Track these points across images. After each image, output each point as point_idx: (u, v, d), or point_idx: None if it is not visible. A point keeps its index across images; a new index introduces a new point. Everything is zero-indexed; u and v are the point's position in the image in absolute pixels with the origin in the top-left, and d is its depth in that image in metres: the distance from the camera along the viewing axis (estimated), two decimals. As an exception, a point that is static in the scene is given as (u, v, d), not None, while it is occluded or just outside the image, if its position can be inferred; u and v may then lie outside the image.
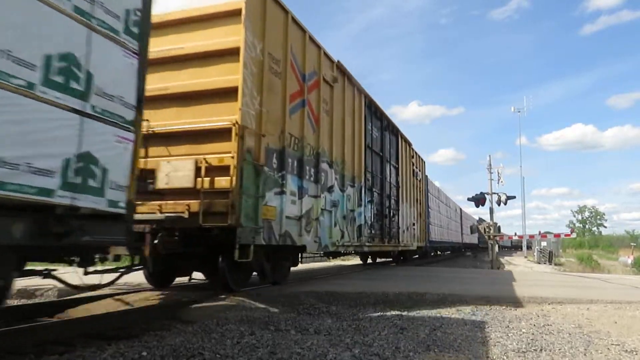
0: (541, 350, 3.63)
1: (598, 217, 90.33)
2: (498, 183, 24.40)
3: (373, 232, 10.42)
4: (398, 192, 13.01)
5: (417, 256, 19.20)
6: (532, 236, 34.19)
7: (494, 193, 23.25)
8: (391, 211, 12.15)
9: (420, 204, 16.62)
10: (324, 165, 7.69)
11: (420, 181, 16.82)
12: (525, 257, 34.82)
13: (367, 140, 10.16)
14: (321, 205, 7.45)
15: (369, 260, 16.22)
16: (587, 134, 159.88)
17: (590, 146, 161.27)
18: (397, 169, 13.03)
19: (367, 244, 9.89)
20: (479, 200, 23.30)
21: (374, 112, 10.94)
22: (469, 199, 23.97)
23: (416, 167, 15.99)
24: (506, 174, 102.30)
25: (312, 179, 7.22)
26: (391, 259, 16.28)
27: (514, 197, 23.71)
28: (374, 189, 10.58)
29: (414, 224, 15.08)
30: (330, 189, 7.91)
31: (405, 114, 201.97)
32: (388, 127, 12.21)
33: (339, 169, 8.40)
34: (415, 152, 15.90)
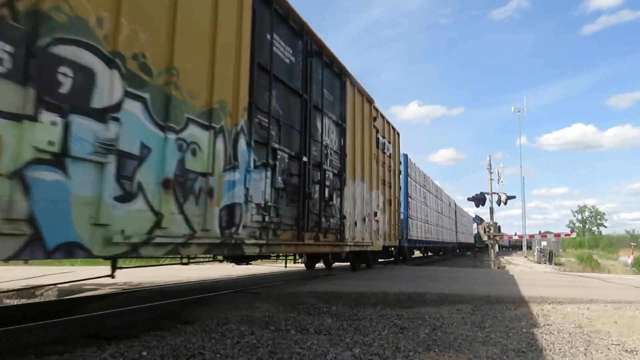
0: (541, 350, 3.63)
1: (598, 216, 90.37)
2: (498, 183, 24.40)
3: (274, 219, 5.92)
4: (344, 163, 8.47)
5: (391, 259, 14.78)
6: (532, 236, 34.21)
7: (494, 193, 23.26)
8: (326, 190, 7.61)
9: (390, 188, 12.19)
10: (79, 53, 3.23)
11: (391, 158, 12.33)
12: (525, 256, 34.80)
13: (262, 57, 5.69)
14: (41, 142, 2.92)
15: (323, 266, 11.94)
16: (587, 134, 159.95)
17: (590, 146, 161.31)
18: (342, 129, 8.50)
19: (251, 241, 5.28)
20: (479, 200, 23.29)
21: (282, 17, 6.40)
22: (469, 199, 23.98)
23: (383, 136, 11.45)
24: (506, 174, 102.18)
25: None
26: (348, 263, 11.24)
27: (514, 197, 23.74)
28: (277, 146, 6.04)
29: (376, 214, 10.67)
30: (103, 115, 3.38)
31: (405, 114, 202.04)
32: (320, 57, 7.66)
33: (153, 81, 3.89)
34: (382, 115, 11.42)
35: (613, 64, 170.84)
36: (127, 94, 3.64)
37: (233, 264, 9.50)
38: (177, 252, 4.23)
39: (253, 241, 5.37)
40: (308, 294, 6.08)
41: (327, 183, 7.73)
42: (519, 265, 23.96)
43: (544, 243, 32.13)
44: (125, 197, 3.57)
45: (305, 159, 6.86)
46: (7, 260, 2.83)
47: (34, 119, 2.91)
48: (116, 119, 3.49)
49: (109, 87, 3.47)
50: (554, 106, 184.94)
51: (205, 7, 4.65)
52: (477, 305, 5.75)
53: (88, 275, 6.53)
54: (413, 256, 20.24)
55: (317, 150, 7.44)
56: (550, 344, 3.80)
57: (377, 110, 10.91)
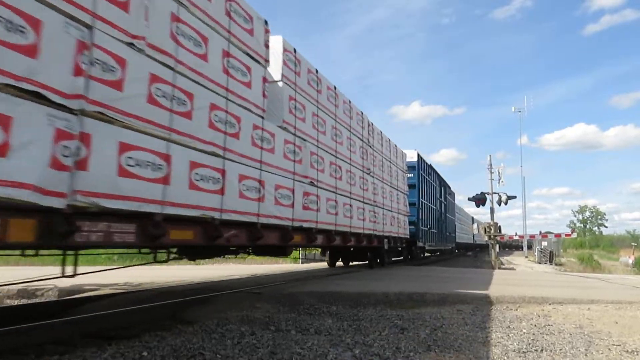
0: (542, 350, 3.62)
1: (599, 217, 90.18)
2: (499, 183, 24.30)
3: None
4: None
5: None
6: (532, 236, 34.14)
7: (495, 193, 23.21)
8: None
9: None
10: None
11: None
12: (526, 257, 34.79)
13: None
14: None
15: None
16: (588, 133, 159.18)
17: (591, 146, 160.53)
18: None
19: None
20: (479, 200, 23.23)
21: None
22: (469, 199, 23.88)
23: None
24: (507, 174, 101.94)
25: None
26: None
27: (514, 197, 23.61)
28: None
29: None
30: None
31: (407, 114, 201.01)
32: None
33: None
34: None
35: (615, 64, 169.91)
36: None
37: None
38: None
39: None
40: (308, 294, 6.07)
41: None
42: (519, 266, 23.93)
43: (544, 243, 32.05)
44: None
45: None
46: None
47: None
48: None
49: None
50: (555, 106, 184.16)
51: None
52: (477, 305, 5.74)
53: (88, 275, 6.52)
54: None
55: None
56: (551, 345, 3.79)
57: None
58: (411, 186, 15.81)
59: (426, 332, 4.17)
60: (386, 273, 10.38)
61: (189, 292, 6.73)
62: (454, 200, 30.36)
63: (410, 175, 16.01)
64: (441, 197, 22.91)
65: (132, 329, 4.09)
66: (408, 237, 14.52)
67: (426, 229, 17.90)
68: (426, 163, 18.65)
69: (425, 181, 18.02)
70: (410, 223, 15.13)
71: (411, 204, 15.38)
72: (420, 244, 16.68)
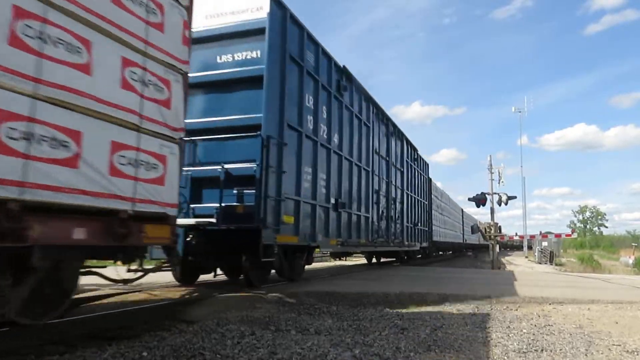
0: (542, 350, 3.62)
1: (599, 217, 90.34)
2: (499, 183, 24.28)
3: None
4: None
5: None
6: (532, 236, 34.14)
7: (495, 193, 23.20)
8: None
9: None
10: None
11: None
12: (526, 257, 34.80)
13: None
14: None
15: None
16: (588, 133, 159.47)
17: (592, 146, 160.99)
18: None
19: None
20: (479, 200, 23.22)
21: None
22: (469, 199, 23.86)
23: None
24: (507, 174, 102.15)
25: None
26: None
27: (514, 197, 23.59)
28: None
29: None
30: None
31: (407, 114, 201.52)
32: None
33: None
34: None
35: (615, 64, 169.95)
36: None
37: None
38: None
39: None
40: (308, 294, 6.08)
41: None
42: (519, 266, 23.92)
43: (544, 243, 32.05)
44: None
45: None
46: None
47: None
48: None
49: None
50: (555, 106, 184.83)
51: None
52: (478, 305, 5.74)
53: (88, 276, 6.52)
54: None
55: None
56: (551, 345, 3.79)
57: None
58: (245, 81, 6.48)
59: (426, 332, 4.17)
60: (387, 273, 10.25)
61: (189, 292, 6.72)
62: (427, 173, 18.91)
63: (252, 54, 6.58)
64: (387, 156, 11.88)
65: (132, 329, 4.08)
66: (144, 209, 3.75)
67: (311, 202, 7.56)
68: (311, 37, 7.68)
69: (307, 79, 7.46)
70: (244, 182, 6.22)
71: (243, 129, 6.33)
72: (279, 240, 6.57)
